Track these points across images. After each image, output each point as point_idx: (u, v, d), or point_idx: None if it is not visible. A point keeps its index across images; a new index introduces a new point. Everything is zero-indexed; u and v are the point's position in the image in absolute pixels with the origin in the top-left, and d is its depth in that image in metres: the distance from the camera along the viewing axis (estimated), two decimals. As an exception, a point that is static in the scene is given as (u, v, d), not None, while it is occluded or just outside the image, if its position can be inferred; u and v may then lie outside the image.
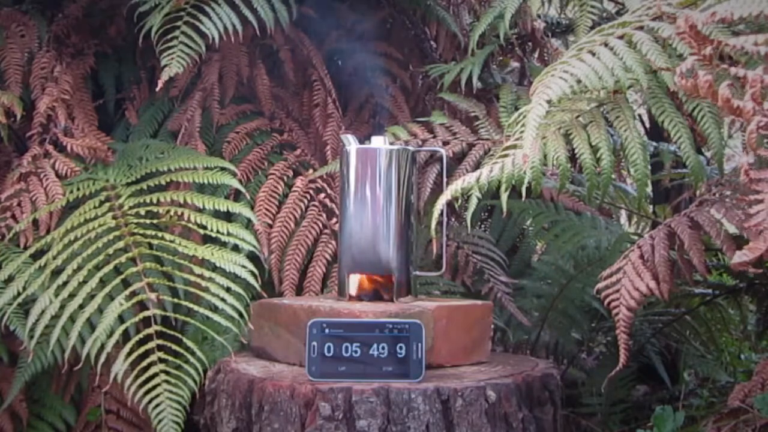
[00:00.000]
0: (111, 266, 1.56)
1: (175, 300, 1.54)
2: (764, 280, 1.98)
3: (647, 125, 2.96)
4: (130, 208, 1.69)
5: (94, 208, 1.68)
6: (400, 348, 1.29)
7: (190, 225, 1.67)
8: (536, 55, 2.54)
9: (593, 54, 1.31)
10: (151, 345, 1.46)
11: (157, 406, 1.43)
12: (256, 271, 1.61)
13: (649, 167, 1.46)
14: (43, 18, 1.97)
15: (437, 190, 1.80)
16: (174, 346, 1.47)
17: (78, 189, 1.74)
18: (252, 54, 2.04)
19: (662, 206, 2.67)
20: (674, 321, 2.20)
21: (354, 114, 2.19)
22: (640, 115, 2.86)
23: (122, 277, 1.57)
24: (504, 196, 1.40)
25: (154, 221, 1.67)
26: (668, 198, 2.93)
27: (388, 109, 2.16)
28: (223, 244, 1.67)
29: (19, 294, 1.53)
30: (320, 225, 1.85)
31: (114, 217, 1.66)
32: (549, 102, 1.25)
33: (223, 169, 1.78)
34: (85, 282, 1.52)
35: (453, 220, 2.21)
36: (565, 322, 2.06)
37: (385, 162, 1.49)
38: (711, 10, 1.11)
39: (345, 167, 1.52)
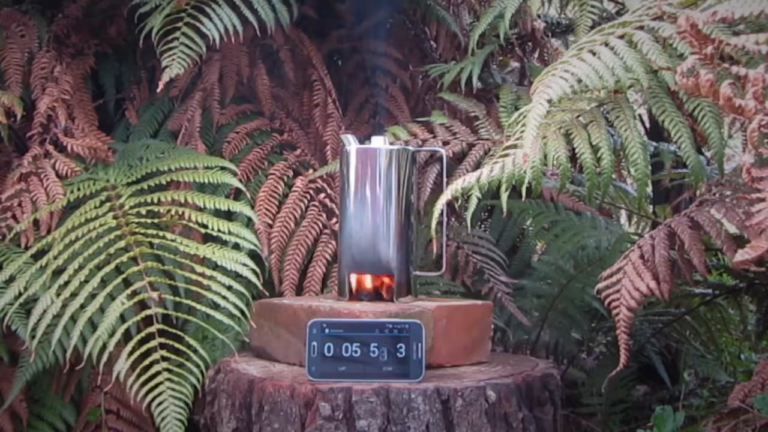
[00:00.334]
0: (112, 266, 1.56)
1: (177, 299, 1.54)
2: (764, 279, 1.98)
3: (647, 125, 2.96)
4: (131, 207, 1.69)
5: (95, 207, 1.68)
6: (400, 348, 1.29)
7: (190, 224, 1.67)
8: (536, 55, 2.54)
9: (594, 53, 1.31)
10: (153, 344, 1.46)
11: (160, 404, 1.43)
12: (257, 270, 1.61)
13: (650, 167, 1.46)
14: (43, 18, 1.97)
15: (437, 190, 1.80)
16: (176, 345, 1.47)
17: (78, 189, 1.74)
18: (252, 54, 2.03)
19: (662, 206, 2.66)
20: (674, 321, 2.20)
21: (354, 114, 2.19)
22: (640, 115, 2.85)
23: (123, 276, 1.57)
24: (504, 196, 1.40)
25: (155, 221, 1.67)
26: (668, 198, 2.93)
27: (388, 109, 2.16)
28: (224, 243, 1.67)
29: (20, 294, 1.52)
30: (320, 225, 1.85)
31: (115, 217, 1.66)
32: (549, 101, 1.25)
33: (223, 168, 1.78)
34: (86, 281, 1.52)
35: (453, 220, 2.21)
36: (565, 322, 2.06)
37: (385, 162, 1.49)
38: (712, 10, 1.11)
39: (345, 167, 1.52)
